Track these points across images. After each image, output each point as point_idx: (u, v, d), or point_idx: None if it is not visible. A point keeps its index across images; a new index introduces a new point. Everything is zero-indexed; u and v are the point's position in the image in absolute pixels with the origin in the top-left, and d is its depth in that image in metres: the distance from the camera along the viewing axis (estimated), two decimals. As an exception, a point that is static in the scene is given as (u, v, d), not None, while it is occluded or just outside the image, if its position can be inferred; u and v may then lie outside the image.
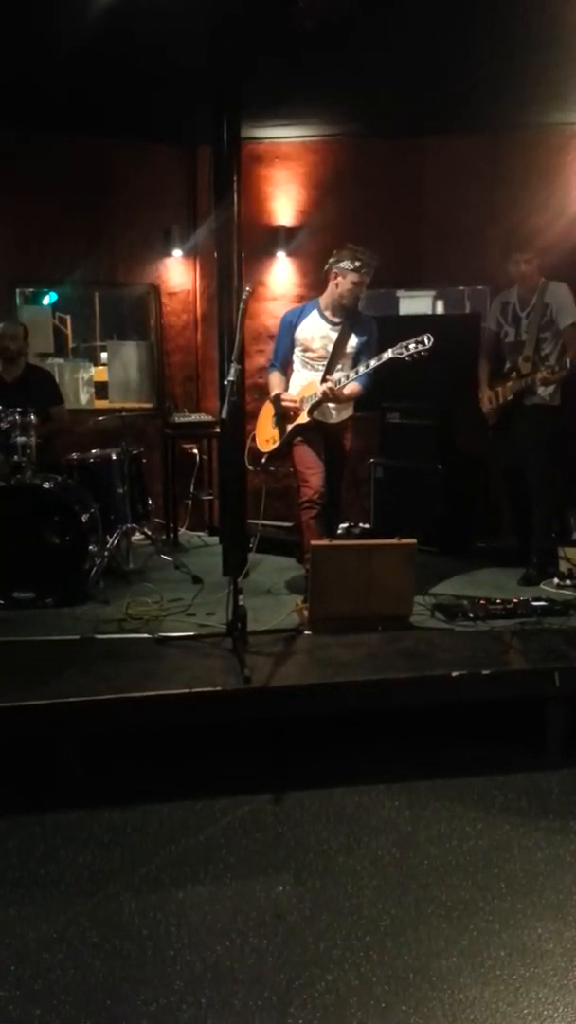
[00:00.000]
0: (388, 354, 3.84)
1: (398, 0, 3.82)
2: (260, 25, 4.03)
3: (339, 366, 4.12)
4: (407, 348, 3.77)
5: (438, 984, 2.12)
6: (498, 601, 4.00)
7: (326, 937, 2.30)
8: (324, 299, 4.19)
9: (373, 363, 3.93)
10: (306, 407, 4.09)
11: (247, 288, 3.76)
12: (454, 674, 3.28)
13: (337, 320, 4.15)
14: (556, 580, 4.42)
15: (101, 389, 7.25)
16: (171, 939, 2.30)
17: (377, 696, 3.28)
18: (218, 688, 3.14)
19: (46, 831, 2.81)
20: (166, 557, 4.90)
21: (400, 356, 3.79)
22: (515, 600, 4.01)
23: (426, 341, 3.72)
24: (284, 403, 4.14)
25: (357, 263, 4.01)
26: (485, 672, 3.30)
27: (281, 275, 6.09)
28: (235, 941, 2.29)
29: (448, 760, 3.26)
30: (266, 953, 2.24)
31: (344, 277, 4.05)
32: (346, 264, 4.03)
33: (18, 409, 4.26)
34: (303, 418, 4.10)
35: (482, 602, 4.00)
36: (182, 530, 5.93)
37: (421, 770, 3.18)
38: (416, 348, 3.75)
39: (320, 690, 3.24)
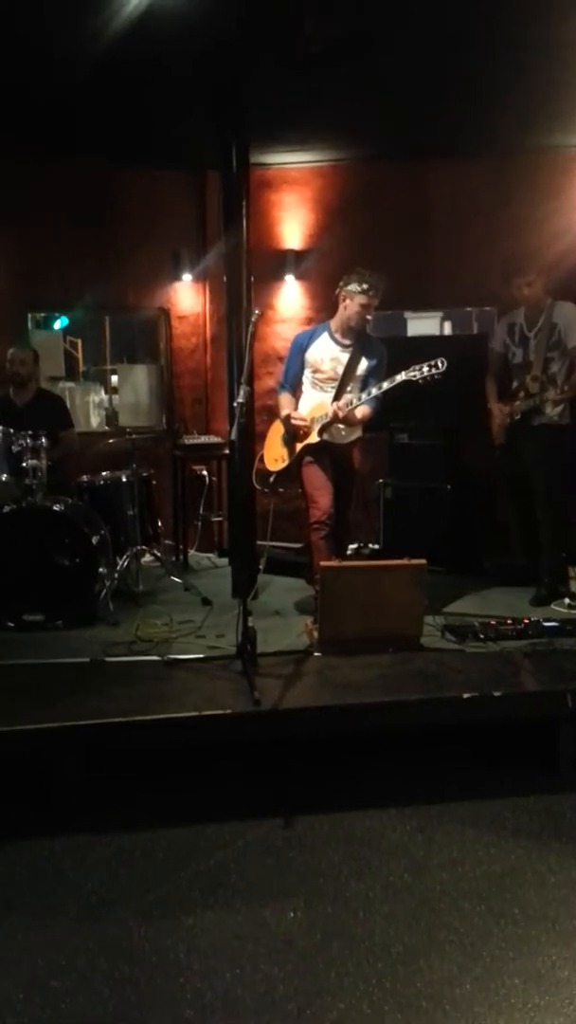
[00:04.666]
0: (401, 377, 3.85)
1: (402, 27, 3.88)
2: (267, 51, 4.10)
3: (349, 388, 4.14)
4: (420, 371, 3.78)
5: (451, 1012, 2.09)
6: (509, 621, 3.98)
7: (337, 964, 2.27)
8: (334, 322, 4.22)
9: (386, 385, 3.94)
10: (316, 427, 4.11)
11: (256, 311, 3.79)
12: (465, 695, 3.26)
13: (347, 342, 4.17)
14: (567, 600, 4.40)
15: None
16: (180, 966, 2.27)
17: (388, 718, 3.26)
18: (228, 711, 3.13)
19: (55, 855, 2.80)
20: (176, 579, 4.90)
21: (413, 379, 3.80)
22: (526, 620, 3.99)
23: (440, 365, 3.73)
24: (294, 422, 4.16)
25: (364, 286, 4.04)
26: (496, 693, 3.28)
27: (290, 298, 6.14)
28: (245, 968, 2.26)
29: (460, 783, 3.23)
30: (277, 980, 2.21)
31: (352, 300, 4.08)
32: (354, 287, 4.06)
33: (29, 432, 4.29)
34: (313, 438, 4.12)
35: (493, 623, 3.97)
36: (192, 551, 5.94)
37: (432, 793, 3.15)
38: (429, 372, 3.76)
39: (330, 712, 3.22)
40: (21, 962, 2.30)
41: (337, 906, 2.52)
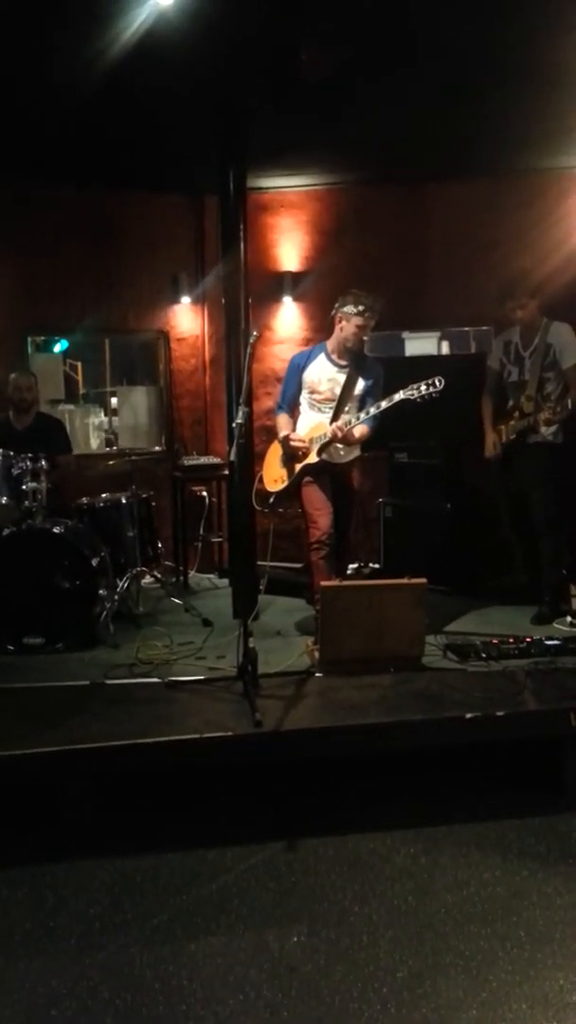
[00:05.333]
0: (399, 395, 3.87)
1: (398, 54, 3.94)
2: (264, 79, 4.16)
3: (346, 408, 4.15)
4: (418, 390, 3.80)
5: (458, 1039, 2.06)
6: (511, 640, 3.96)
7: (341, 990, 2.24)
8: (331, 343, 4.24)
9: (384, 404, 3.95)
10: (315, 447, 4.12)
11: (254, 332, 3.82)
12: (468, 716, 3.24)
13: (344, 363, 4.20)
14: (569, 618, 4.39)
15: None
16: (183, 993, 2.24)
17: (390, 739, 3.24)
18: (229, 733, 3.11)
19: (56, 881, 2.77)
20: (176, 600, 4.89)
21: (411, 398, 3.82)
22: (528, 639, 3.97)
23: (437, 383, 3.75)
24: (293, 443, 4.18)
25: (360, 307, 4.07)
26: (499, 713, 3.26)
27: (287, 319, 6.18)
28: (248, 994, 2.23)
29: (463, 804, 3.20)
30: (280, 1007, 2.18)
31: (348, 321, 4.11)
32: (349, 309, 4.09)
33: (29, 455, 4.31)
34: (312, 458, 4.13)
35: (495, 642, 3.96)
36: (192, 573, 5.93)
37: (436, 815, 3.12)
38: (427, 390, 3.77)
39: (332, 733, 3.20)
40: (22, 990, 2.27)
41: (341, 930, 2.50)
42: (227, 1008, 2.18)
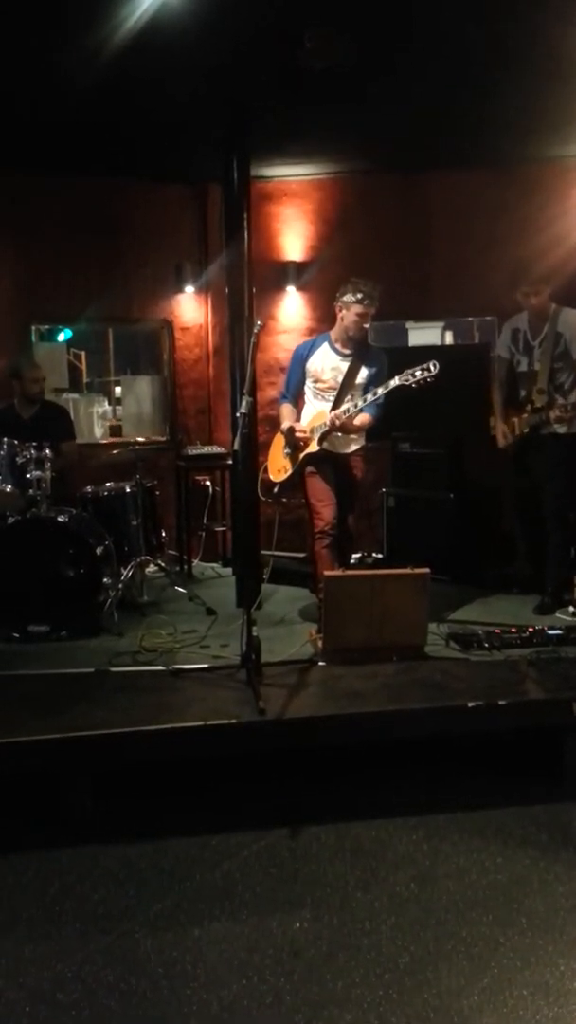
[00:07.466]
0: (394, 381, 3.87)
1: (401, 43, 3.91)
2: (268, 67, 4.14)
3: (348, 397, 4.15)
4: (413, 375, 3.79)
5: (459, 1024, 2.08)
6: (513, 630, 3.97)
7: (344, 975, 2.26)
8: (334, 332, 4.24)
9: (380, 391, 3.95)
10: (316, 436, 4.12)
11: (258, 322, 3.81)
12: (470, 704, 3.26)
13: (347, 352, 4.19)
14: (572, 609, 4.39)
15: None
16: (187, 978, 2.27)
17: (393, 727, 3.26)
18: (233, 720, 3.13)
19: (61, 867, 2.79)
20: (180, 589, 4.91)
21: (407, 383, 3.82)
22: (531, 629, 3.98)
23: (432, 368, 3.74)
24: (296, 434, 4.19)
25: (359, 295, 4.06)
26: (501, 702, 3.27)
27: (291, 309, 6.16)
28: (252, 979, 2.25)
29: (465, 792, 3.22)
30: (284, 992, 2.21)
31: (349, 310, 4.11)
32: (349, 297, 4.09)
33: (34, 444, 4.31)
34: (313, 447, 4.14)
35: (497, 631, 3.97)
36: (196, 561, 5.95)
37: (438, 803, 3.14)
38: (422, 375, 3.77)
39: (335, 722, 3.22)
40: (27, 974, 2.29)
41: (343, 917, 2.52)
42: (231, 993, 2.20)
